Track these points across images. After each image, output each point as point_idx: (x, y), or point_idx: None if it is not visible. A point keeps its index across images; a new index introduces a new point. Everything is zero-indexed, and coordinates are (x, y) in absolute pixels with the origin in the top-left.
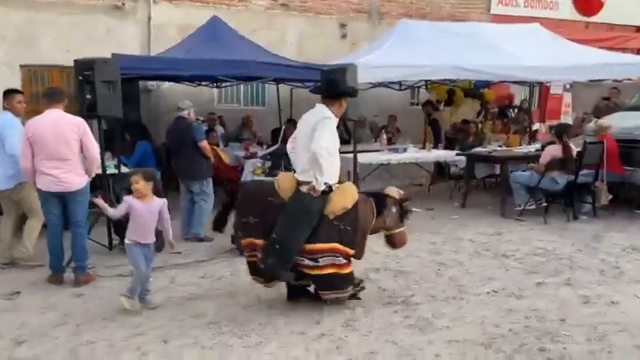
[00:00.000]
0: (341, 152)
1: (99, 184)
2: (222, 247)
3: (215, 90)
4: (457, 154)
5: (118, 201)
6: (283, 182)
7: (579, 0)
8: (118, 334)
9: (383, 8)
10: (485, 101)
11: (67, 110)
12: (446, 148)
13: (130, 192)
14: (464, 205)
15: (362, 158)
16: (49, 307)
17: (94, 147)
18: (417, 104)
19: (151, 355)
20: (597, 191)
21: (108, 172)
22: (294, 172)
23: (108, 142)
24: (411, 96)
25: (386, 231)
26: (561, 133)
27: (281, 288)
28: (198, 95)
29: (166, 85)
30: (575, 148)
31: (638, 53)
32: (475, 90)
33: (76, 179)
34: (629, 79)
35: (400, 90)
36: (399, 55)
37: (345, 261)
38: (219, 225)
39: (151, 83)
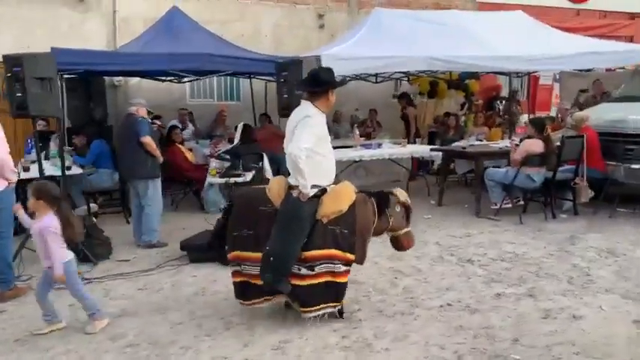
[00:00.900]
0: None
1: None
2: (174, 252)
3: (187, 85)
4: (431, 150)
5: (75, 205)
6: (274, 188)
7: None
8: (26, 359)
9: None
10: (470, 93)
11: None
12: (429, 142)
13: (86, 194)
14: (440, 203)
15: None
16: None
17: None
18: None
19: None
20: (577, 188)
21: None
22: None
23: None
24: (395, 88)
25: (391, 232)
26: (541, 126)
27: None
28: (169, 91)
29: (134, 81)
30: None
31: (631, 41)
32: (459, 81)
33: None
34: (622, 68)
35: (377, 83)
36: (369, 47)
37: (344, 268)
38: (218, 241)
39: (117, 79)
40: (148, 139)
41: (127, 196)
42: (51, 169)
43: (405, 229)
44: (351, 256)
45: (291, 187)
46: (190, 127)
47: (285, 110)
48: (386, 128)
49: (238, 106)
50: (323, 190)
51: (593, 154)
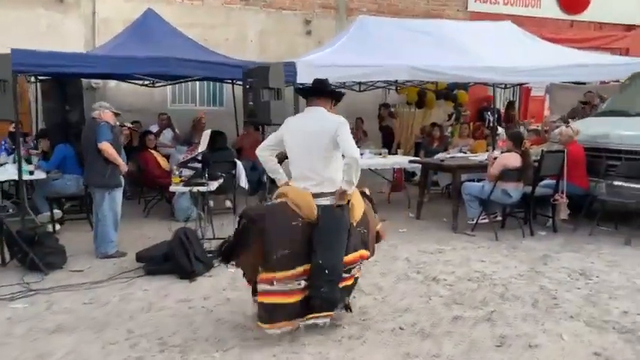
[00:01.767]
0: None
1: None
2: (131, 263)
3: (168, 89)
4: (410, 162)
5: (37, 211)
6: (302, 199)
7: None
8: None
9: (352, 4)
10: (459, 103)
11: None
12: (415, 153)
13: (51, 200)
14: (418, 216)
15: None
16: None
17: None
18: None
19: None
20: (557, 205)
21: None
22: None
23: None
24: (383, 98)
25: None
26: (518, 140)
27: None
28: (150, 95)
29: (112, 84)
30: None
31: (627, 53)
32: (448, 92)
33: None
34: (617, 81)
35: (360, 91)
36: (350, 54)
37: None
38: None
39: (95, 82)
40: (105, 146)
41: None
42: (13, 173)
43: (380, 222)
44: (368, 253)
45: (314, 196)
46: (169, 132)
47: (252, 117)
48: (373, 138)
49: (221, 111)
50: None
51: (577, 170)
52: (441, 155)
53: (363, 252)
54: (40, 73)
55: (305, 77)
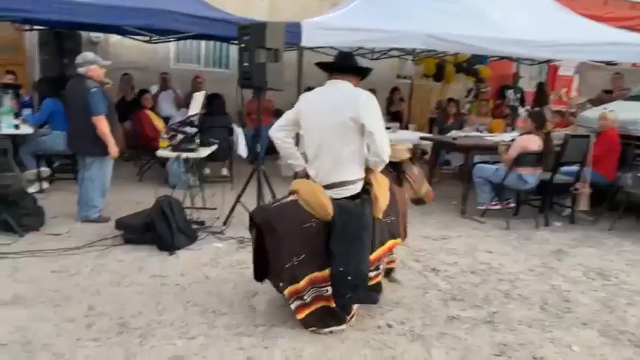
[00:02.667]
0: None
1: None
2: (112, 231)
3: (172, 47)
4: (421, 138)
5: (24, 167)
6: (314, 198)
7: None
8: None
9: None
10: (480, 79)
11: None
12: (429, 129)
13: (38, 157)
14: None
15: None
16: None
17: None
18: (405, 78)
19: None
20: (577, 194)
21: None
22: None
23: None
24: (401, 68)
25: (416, 195)
26: (541, 120)
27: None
28: (152, 51)
29: (115, 38)
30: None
31: None
32: (469, 66)
33: None
34: None
35: (374, 59)
36: (361, 18)
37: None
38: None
39: (95, 35)
40: (100, 122)
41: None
42: None
43: (425, 184)
44: (399, 240)
45: (333, 186)
46: (169, 93)
47: (245, 80)
48: (384, 112)
49: (227, 74)
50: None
51: (608, 159)
52: (454, 133)
53: (392, 242)
54: (10, 18)
55: (310, 39)
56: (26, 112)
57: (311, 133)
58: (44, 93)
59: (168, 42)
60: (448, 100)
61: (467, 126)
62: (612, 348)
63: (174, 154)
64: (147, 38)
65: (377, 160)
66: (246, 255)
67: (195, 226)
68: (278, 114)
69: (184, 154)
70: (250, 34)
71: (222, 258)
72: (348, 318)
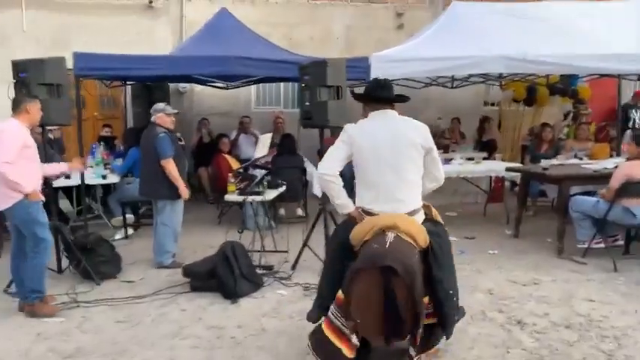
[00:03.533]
0: None
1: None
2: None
3: (252, 91)
4: (507, 169)
5: (111, 215)
6: (415, 228)
7: None
8: None
9: None
10: (579, 100)
11: None
12: (521, 156)
13: (123, 205)
14: (517, 234)
15: None
16: None
17: None
18: (493, 105)
19: None
20: None
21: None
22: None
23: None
24: (486, 94)
25: None
26: None
27: None
28: (235, 97)
29: (199, 88)
30: None
31: None
32: (566, 87)
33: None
34: None
35: (453, 87)
36: (435, 46)
37: None
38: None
39: (182, 86)
40: (168, 164)
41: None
42: (90, 177)
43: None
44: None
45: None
46: (249, 137)
47: (307, 120)
48: (472, 139)
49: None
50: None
51: None
52: (544, 162)
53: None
54: (102, 76)
55: (380, 73)
56: (117, 162)
57: (375, 165)
58: (130, 142)
59: (244, 87)
60: (542, 125)
61: (564, 152)
62: None
63: (240, 198)
64: (219, 84)
65: (435, 185)
66: (308, 303)
67: (262, 271)
68: None
69: (250, 198)
70: (310, 74)
71: (284, 307)
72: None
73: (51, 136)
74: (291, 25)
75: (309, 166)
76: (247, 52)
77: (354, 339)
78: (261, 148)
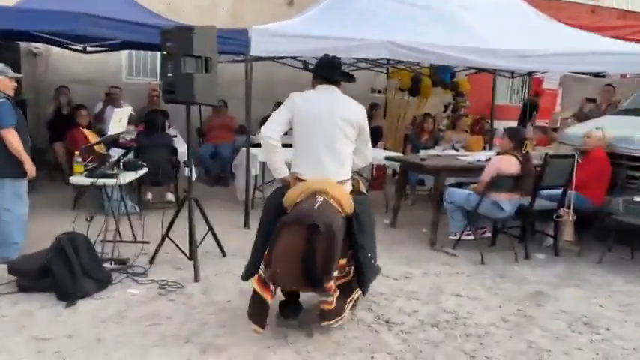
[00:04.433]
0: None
1: None
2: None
3: (124, 59)
4: (386, 158)
5: None
6: (343, 195)
7: None
8: None
9: None
10: (459, 92)
11: None
12: (404, 146)
13: None
14: (394, 224)
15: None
16: None
17: None
18: (380, 92)
19: None
20: (561, 222)
21: None
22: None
23: None
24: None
25: None
26: (518, 139)
27: None
28: (104, 63)
29: (57, 49)
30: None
31: None
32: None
33: None
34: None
35: None
36: (321, 25)
37: None
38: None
39: (36, 46)
40: (10, 135)
41: None
42: None
43: None
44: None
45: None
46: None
47: (170, 94)
48: None
49: None
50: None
51: (597, 182)
52: (422, 153)
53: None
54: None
55: (260, 48)
56: None
57: (312, 134)
58: None
59: (111, 52)
60: (424, 115)
61: (443, 143)
62: None
63: (88, 181)
64: (81, 48)
65: (364, 163)
66: (163, 305)
67: (113, 266)
68: (242, 131)
69: (101, 181)
70: (174, 40)
71: (132, 310)
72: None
73: None
74: None
75: (181, 146)
76: (105, 10)
77: (271, 286)
78: (117, 123)
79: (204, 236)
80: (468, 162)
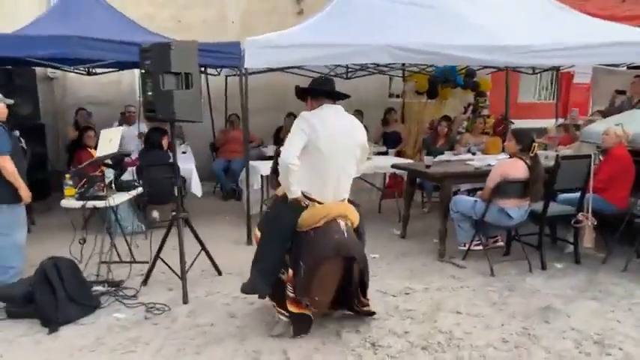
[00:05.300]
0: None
1: None
2: None
3: (137, 78)
4: (392, 166)
5: None
6: (353, 213)
7: None
8: None
9: None
10: (480, 92)
11: None
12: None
13: None
14: (404, 235)
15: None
16: None
17: None
18: (398, 96)
19: None
20: (580, 228)
21: None
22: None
23: None
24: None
25: None
26: (525, 140)
27: None
28: (117, 84)
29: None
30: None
31: None
32: (467, 79)
33: None
34: None
35: (347, 79)
36: (321, 33)
37: None
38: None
39: (52, 71)
40: (5, 162)
41: None
42: None
43: None
44: None
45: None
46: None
47: (150, 112)
48: (375, 138)
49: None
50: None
51: (620, 183)
52: (426, 159)
53: None
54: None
55: (255, 61)
56: None
57: (329, 156)
58: None
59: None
60: (440, 118)
61: (458, 146)
62: None
63: (78, 204)
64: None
65: (356, 176)
66: (144, 330)
67: (105, 289)
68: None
69: (91, 203)
70: (152, 58)
71: (113, 336)
72: None
73: None
74: (180, 6)
75: (186, 163)
76: (103, 32)
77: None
78: (107, 144)
79: (197, 255)
80: (476, 167)
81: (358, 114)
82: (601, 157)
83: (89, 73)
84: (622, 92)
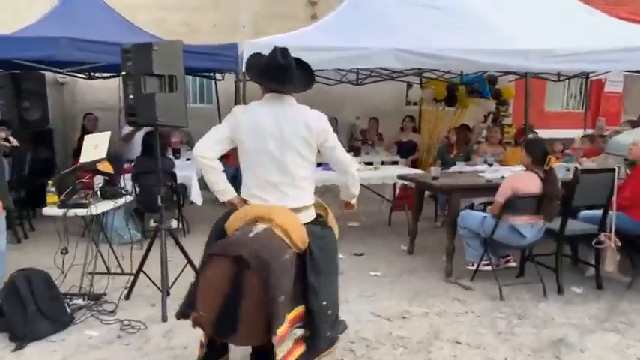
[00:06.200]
0: None
1: None
2: None
3: None
4: (398, 177)
5: None
6: (292, 224)
7: None
8: None
9: None
10: (502, 101)
11: None
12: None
13: None
14: (411, 250)
15: None
16: None
17: None
18: (416, 104)
19: None
20: (602, 249)
21: None
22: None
23: None
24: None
25: None
26: (539, 152)
27: None
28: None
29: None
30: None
31: None
32: (489, 86)
33: None
34: None
35: (358, 84)
36: (328, 36)
37: None
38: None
39: (61, 76)
40: None
41: None
42: None
43: None
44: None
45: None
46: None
47: (132, 116)
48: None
49: (210, 109)
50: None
51: None
52: (433, 170)
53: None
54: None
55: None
56: None
57: (259, 154)
58: None
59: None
60: (457, 127)
61: (474, 157)
62: None
63: (59, 212)
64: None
65: (348, 177)
66: (114, 351)
67: (83, 302)
68: None
69: (72, 211)
70: (133, 59)
71: (79, 357)
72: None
73: None
74: (190, 10)
75: (187, 170)
76: (100, 35)
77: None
78: (92, 150)
79: (182, 269)
80: (487, 179)
81: (374, 121)
82: (628, 171)
83: (90, 77)
84: None
